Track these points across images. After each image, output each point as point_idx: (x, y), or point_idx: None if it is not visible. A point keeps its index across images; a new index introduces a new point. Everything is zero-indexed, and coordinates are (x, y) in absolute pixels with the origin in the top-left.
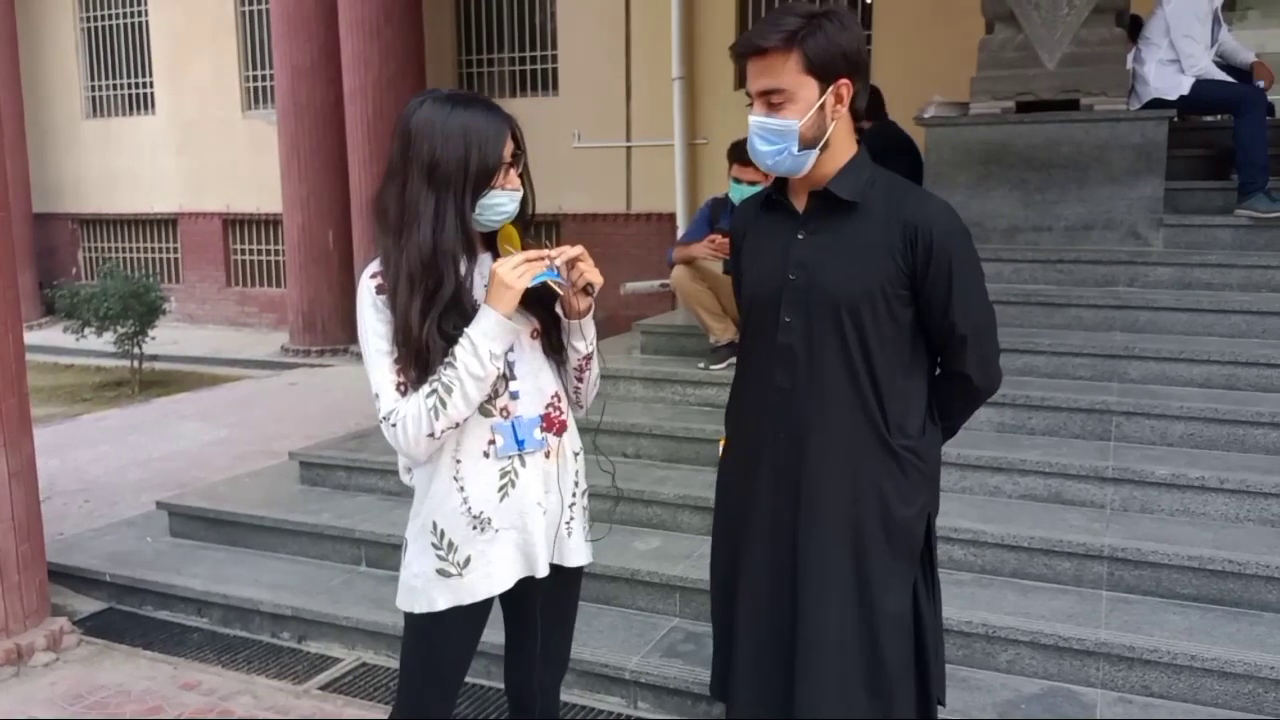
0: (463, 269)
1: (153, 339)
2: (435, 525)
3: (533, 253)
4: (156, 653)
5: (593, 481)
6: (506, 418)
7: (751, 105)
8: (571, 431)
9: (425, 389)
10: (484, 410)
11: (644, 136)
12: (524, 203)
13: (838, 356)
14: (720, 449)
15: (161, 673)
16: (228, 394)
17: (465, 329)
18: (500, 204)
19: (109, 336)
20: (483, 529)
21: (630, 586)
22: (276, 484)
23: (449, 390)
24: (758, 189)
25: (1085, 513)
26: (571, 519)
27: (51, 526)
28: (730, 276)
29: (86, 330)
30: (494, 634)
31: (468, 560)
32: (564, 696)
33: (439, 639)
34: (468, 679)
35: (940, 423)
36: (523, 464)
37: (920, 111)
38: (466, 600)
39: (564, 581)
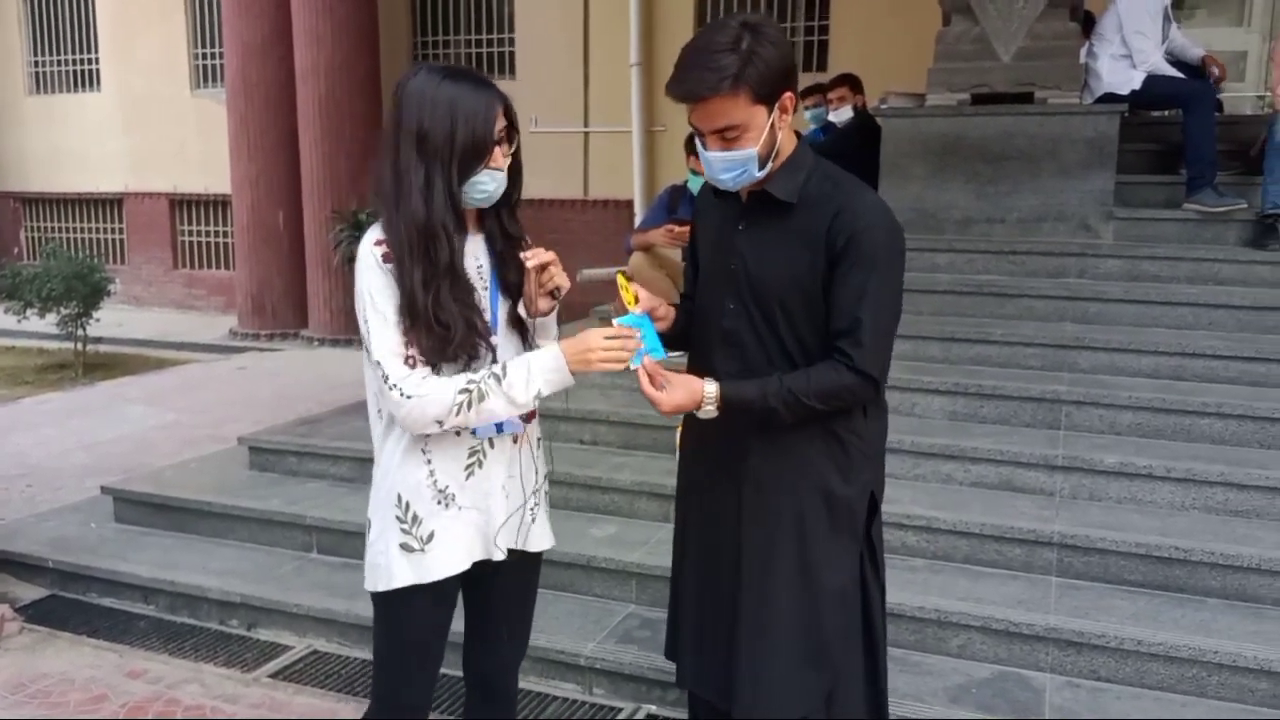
0: (455, 241)
1: (97, 321)
2: (400, 498)
3: (628, 339)
4: (101, 640)
5: (550, 467)
6: None
7: (703, 138)
8: (536, 418)
9: (460, 382)
10: None
11: (602, 122)
12: (511, 185)
13: (775, 343)
14: (678, 437)
15: (106, 661)
16: (174, 378)
17: (530, 359)
18: (482, 184)
19: (52, 318)
20: (447, 504)
21: (586, 573)
22: (225, 469)
23: (482, 399)
24: None
25: (1035, 500)
26: (535, 504)
27: None
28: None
29: (28, 311)
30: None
31: (431, 535)
32: (520, 683)
33: (403, 620)
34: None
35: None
36: (491, 446)
37: (878, 103)
38: (426, 578)
39: (526, 566)
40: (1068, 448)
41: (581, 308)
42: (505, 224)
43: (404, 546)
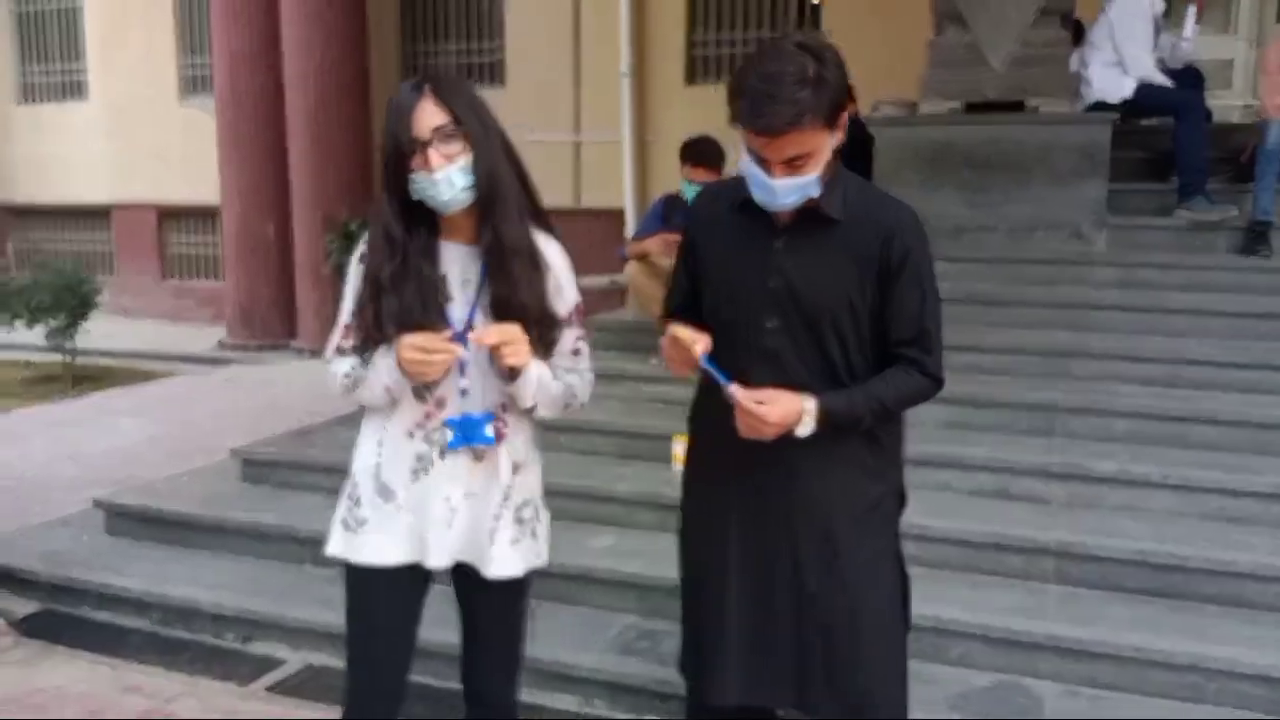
0: (407, 251)
1: (86, 332)
2: (354, 475)
3: (437, 352)
4: (96, 654)
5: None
6: (455, 413)
7: (766, 165)
8: (514, 444)
9: (347, 366)
10: (419, 394)
11: (593, 131)
12: (479, 184)
13: (819, 360)
14: (675, 448)
15: (101, 675)
16: (164, 389)
17: (383, 356)
18: (423, 188)
19: (40, 330)
20: (387, 499)
21: (585, 584)
22: (217, 482)
23: (360, 383)
24: None
25: (1032, 508)
26: (495, 529)
27: None
28: None
29: (16, 323)
30: (449, 634)
31: (365, 521)
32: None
33: (349, 594)
34: (422, 680)
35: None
36: (441, 458)
37: (870, 111)
38: (351, 557)
39: (496, 590)
40: (1064, 455)
41: None
42: (501, 235)
43: (343, 521)
